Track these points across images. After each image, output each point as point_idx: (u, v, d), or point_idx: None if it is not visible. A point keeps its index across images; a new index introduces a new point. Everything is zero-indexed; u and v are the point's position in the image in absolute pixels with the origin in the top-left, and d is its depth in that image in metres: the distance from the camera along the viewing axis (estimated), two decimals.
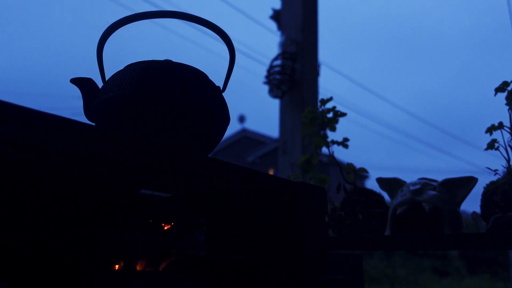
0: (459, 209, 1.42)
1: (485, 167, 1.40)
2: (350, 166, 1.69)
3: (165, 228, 1.08)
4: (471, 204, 1.55)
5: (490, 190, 1.34)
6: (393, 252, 7.73)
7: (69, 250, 0.96)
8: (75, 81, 0.92)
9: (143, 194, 1.19)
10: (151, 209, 1.12)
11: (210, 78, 0.98)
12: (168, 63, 0.92)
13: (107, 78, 0.95)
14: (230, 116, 1.00)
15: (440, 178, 1.47)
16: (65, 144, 0.80)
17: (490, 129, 1.42)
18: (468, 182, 1.42)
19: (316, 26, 3.20)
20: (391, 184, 1.55)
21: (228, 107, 1.00)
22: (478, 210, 1.39)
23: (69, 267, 0.95)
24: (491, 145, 1.41)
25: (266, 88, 3.17)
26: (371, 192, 1.63)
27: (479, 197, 1.38)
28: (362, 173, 1.77)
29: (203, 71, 0.97)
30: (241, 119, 16.39)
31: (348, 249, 1.56)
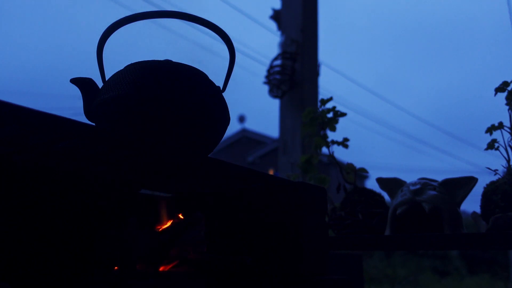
0: (459, 209, 1.42)
1: (485, 167, 1.40)
2: (350, 166, 1.69)
3: (165, 227, 1.08)
4: (471, 204, 1.55)
5: (490, 190, 1.34)
6: (393, 252, 7.73)
7: (69, 250, 0.96)
8: (75, 81, 0.92)
9: (143, 194, 1.19)
10: (151, 209, 1.12)
11: (210, 78, 0.98)
12: (168, 63, 0.92)
13: (107, 78, 0.95)
14: (230, 116, 1.00)
15: (440, 178, 1.47)
16: (65, 144, 0.80)
17: (490, 129, 1.42)
18: (468, 182, 1.42)
19: (316, 26, 3.20)
20: (391, 184, 1.55)
21: (228, 107, 1.00)
22: (478, 210, 1.39)
23: (69, 267, 0.95)
24: (491, 145, 1.41)
25: (266, 88, 3.17)
26: (371, 192, 1.63)
27: (479, 197, 1.38)
28: (362, 173, 1.77)
29: (203, 71, 0.97)
30: (241, 119, 16.38)
31: (348, 249, 1.56)
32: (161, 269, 1.00)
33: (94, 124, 0.92)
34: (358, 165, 1.71)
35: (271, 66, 3.11)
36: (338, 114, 1.77)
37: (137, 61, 0.93)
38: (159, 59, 0.93)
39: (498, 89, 1.40)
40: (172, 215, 1.13)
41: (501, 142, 1.39)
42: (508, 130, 1.38)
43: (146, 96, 0.86)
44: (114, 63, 0.99)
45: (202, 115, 0.90)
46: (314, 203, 1.09)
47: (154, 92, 0.86)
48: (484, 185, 1.39)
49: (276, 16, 3.32)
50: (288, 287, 1.02)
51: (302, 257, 1.02)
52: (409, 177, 1.52)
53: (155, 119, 0.87)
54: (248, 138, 16.06)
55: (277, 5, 3.35)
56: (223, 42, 1.03)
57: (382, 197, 1.64)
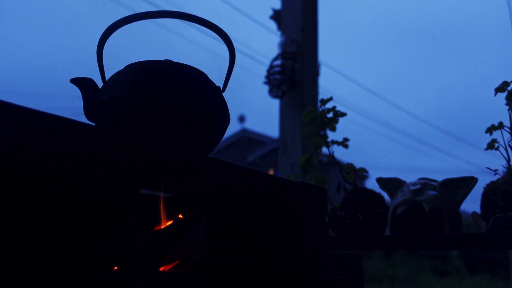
0: (459, 209, 1.42)
1: (485, 167, 1.40)
2: (350, 166, 1.69)
3: (164, 226, 1.08)
4: (471, 204, 1.55)
5: (490, 190, 1.34)
6: (393, 252, 7.73)
7: (69, 250, 0.96)
8: (75, 81, 0.92)
9: (143, 194, 1.19)
10: (151, 209, 1.12)
11: (210, 78, 0.98)
12: (168, 63, 0.92)
13: (107, 78, 0.95)
14: (230, 116, 1.00)
15: (440, 178, 1.47)
16: (65, 144, 0.80)
17: (490, 129, 1.42)
18: (468, 182, 1.42)
19: (316, 26, 3.20)
20: (391, 184, 1.55)
21: (228, 107, 1.00)
22: (478, 210, 1.39)
23: (69, 267, 0.95)
24: (491, 145, 1.41)
25: (266, 88, 3.17)
26: (371, 192, 1.63)
27: (479, 197, 1.38)
28: (362, 173, 1.77)
29: (203, 71, 0.97)
30: (241, 119, 16.38)
31: (348, 249, 1.56)
32: (161, 269, 1.00)
33: (94, 124, 0.92)
34: (358, 165, 1.71)
35: (271, 66, 3.11)
36: (338, 114, 1.77)
37: (137, 61, 0.93)
38: (159, 59, 0.93)
39: (498, 89, 1.40)
40: (172, 215, 1.13)
41: (501, 142, 1.39)
42: (508, 130, 1.38)
43: (146, 96, 0.86)
44: (114, 63, 0.99)
45: (202, 115, 0.90)
46: (314, 203, 1.09)
47: (154, 92, 0.86)
48: (484, 185, 1.39)
49: (276, 16, 3.32)
50: (288, 287, 1.02)
51: (302, 257, 1.02)
52: (409, 177, 1.52)
53: (155, 119, 0.87)
54: (248, 138, 16.05)
55: (277, 5, 3.35)
56: (223, 42, 1.03)
57: (382, 197, 1.64)
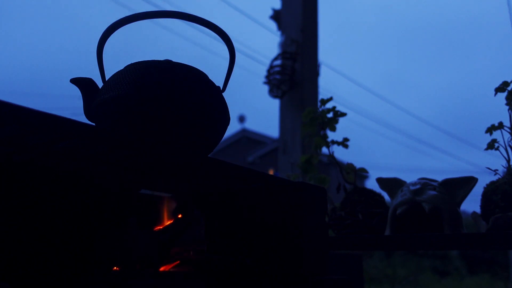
0: (459, 209, 1.42)
1: (485, 167, 1.40)
2: (350, 166, 1.69)
3: (164, 226, 1.08)
4: (471, 204, 1.55)
5: (490, 190, 1.34)
6: (393, 252, 7.73)
7: (69, 250, 0.96)
8: (75, 81, 0.92)
9: (143, 194, 1.19)
10: (151, 209, 1.12)
11: (210, 78, 0.98)
12: (168, 63, 0.92)
13: (107, 78, 0.95)
14: (230, 116, 1.00)
15: (440, 178, 1.47)
16: (65, 144, 0.80)
17: (490, 129, 1.42)
18: (468, 182, 1.42)
19: (316, 26, 3.20)
20: (391, 184, 1.55)
21: (228, 107, 1.00)
22: (478, 210, 1.39)
23: (69, 267, 0.95)
24: (491, 145, 1.41)
25: (266, 88, 3.17)
26: (371, 192, 1.63)
27: (479, 197, 1.38)
28: (362, 173, 1.77)
29: (203, 71, 0.97)
30: (241, 119, 16.38)
31: (348, 249, 1.56)
32: (161, 269, 1.00)
33: (94, 124, 0.92)
34: (358, 165, 1.71)
35: (271, 66, 3.11)
36: (338, 114, 1.77)
37: (137, 61, 0.93)
38: (159, 59, 0.93)
39: (498, 89, 1.40)
40: (172, 215, 1.13)
41: (501, 142, 1.39)
42: (508, 130, 1.38)
43: (146, 96, 0.86)
44: (114, 63, 0.99)
45: (202, 115, 0.90)
46: (314, 203, 1.09)
47: (154, 92, 0.86)
48: (484, 185, 1.39)
49: (276, 16, 3.32)
50: (288, 287, 1.02)
51: (302, 257, 1.02)
52: (409, 177, 1.52)
53: (155, 119, 0.87)
54: (248, 138, 16.05)
55: (277, 5, 3.35)
56: (223, 42, 1.03)
57: (382, 197, 1.64)
